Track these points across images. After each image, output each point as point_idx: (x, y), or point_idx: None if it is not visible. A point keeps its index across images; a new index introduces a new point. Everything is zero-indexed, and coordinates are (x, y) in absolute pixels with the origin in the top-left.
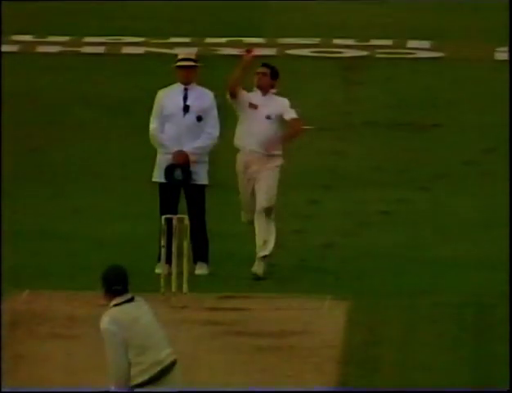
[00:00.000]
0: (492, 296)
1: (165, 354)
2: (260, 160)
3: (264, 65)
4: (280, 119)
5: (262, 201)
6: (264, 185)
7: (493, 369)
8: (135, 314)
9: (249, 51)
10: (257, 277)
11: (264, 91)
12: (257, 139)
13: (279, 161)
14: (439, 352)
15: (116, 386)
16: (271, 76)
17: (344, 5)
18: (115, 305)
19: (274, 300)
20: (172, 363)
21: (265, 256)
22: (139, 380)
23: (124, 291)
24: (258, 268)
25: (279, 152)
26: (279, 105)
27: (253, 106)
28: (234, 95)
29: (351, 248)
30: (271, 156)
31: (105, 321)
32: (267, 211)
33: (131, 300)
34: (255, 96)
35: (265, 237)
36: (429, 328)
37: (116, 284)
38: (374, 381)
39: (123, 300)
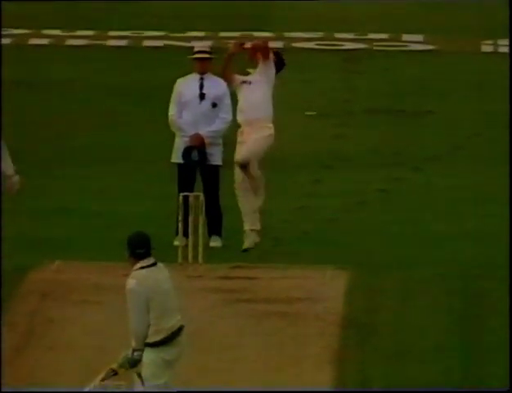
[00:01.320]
0: (480, 268)
1: (176, 320)
2: (252, 126)
3: (277, 54)
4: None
5: (237, 155)
6: (247, 144)
7: (480, 333)
8: (158, 278)
9: (241, 45)
10: (245, 249)
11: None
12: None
13: (268, 131)
14: (431, 318)
15: (136, 342)
16: (276, 63)
17: (345, 2)
18: (140, 268)
19: (281, 270)
20: (181, 328)
21: (252, 230)
22: (153, 339)
23: (147, 254)
24: (246, 241)
25: (269, 119)
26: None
27: (248, 82)
28: (229, 82)
29: (351, 223)
30: (261, 125)
31: (131, 282)
32: (242, 167)
33: (154, 264)
34: (250, 76)
35: (247, 211)
36: (423, 297)
37: (139, 248)
38: (372, 343)
39: (146, 264)
